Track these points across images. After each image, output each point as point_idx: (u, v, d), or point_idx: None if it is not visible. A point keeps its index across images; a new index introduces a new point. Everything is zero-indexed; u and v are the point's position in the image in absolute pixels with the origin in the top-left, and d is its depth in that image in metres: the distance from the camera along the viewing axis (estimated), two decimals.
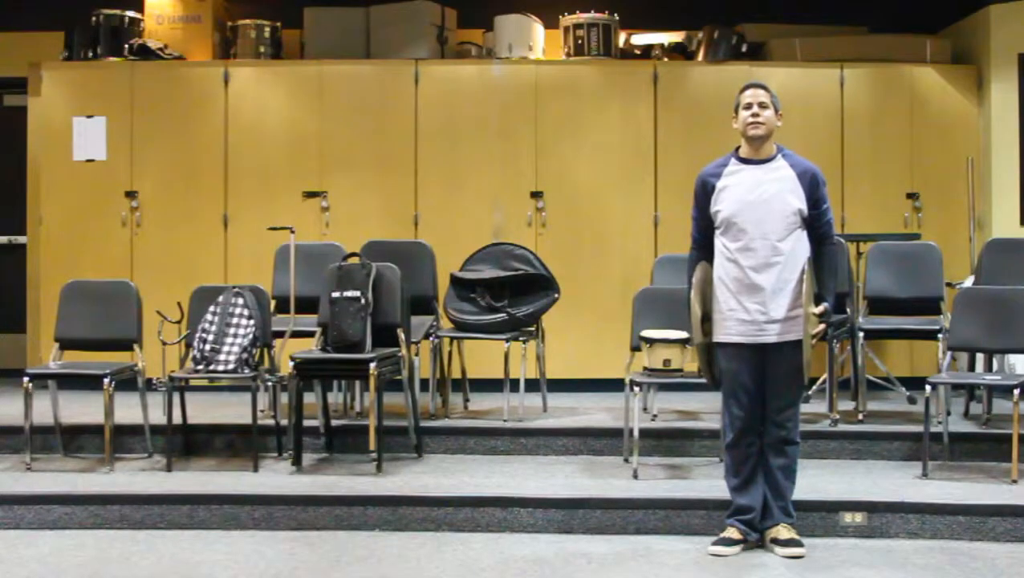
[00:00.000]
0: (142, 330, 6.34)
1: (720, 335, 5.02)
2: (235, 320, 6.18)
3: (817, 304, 4.95)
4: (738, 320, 4.97)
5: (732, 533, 5.08)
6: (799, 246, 4.95)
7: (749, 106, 4.98)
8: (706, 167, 5.13)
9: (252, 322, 6.18)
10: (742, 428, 5.03)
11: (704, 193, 5.06)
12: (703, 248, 5.10)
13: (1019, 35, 7.95)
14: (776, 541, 5.01)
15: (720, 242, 5.02)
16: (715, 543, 5.07)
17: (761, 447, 5.05)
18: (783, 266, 4.91)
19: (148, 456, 6.27)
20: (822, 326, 4.96)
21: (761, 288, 4.91)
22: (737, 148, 5.09)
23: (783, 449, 5.04)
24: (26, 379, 6.05)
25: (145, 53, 8.09)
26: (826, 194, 5.02)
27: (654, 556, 5.04)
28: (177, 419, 6.21)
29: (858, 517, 5.31)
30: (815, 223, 4.99)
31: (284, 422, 6.32)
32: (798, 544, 5.00)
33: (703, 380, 5.82)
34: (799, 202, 4.93)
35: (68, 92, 8.04)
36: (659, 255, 7.53)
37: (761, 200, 4.93)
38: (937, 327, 6.53)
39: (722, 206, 4.99)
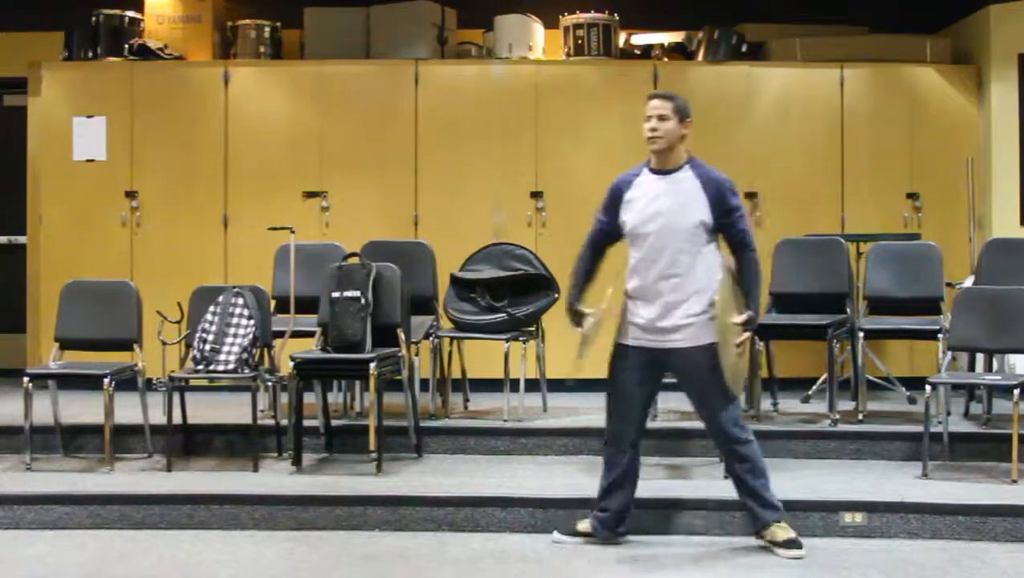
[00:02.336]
0: (142, 330, 6.34)
1: (620, 337, 5.08)
2: (235, 320, 6.18)
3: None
4: (636, 325, 5.01)
5: (584, 526, 5.17)
6: (704, 257, 4.92)
7: (649, 119, 5.00)
8: (622, 174, 5.17)
9: (252, 322, 6.18)
10: (616, 432, 5.09)
11: (612, 200, 5.10)
12: (593, 247, 5.18)
13: (1019, 35, 7.95)
14: (774, 543, 5.01)
15: (631, 250, 5.07)
16: (563, 532, 5.19)
17: (632, 457, 5.08)
18: (684, 277, 4.92)
19: (148, 456, 6.27)
20: (746, 335, 4.93)
21: (660, 297, 4.95)
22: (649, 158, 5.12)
23: (736, 452, 5.03)
24: (26, 379, 6.05)
25: (145, 53, 8.09)
26: (737, 204, 4.95)
27: (654, 556, 5.04)
28: (177, 419, 6.20)
29: (858, 517, 5.31)
30: (727, 233, 4.96)
31: (284, 422, 6.32)
32: (796, 545, 5.00)
33: None
34: (702, 213, 4.91)
35: (68, 92, 8.04)
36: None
37: (662, 211, 4.95)
38: (937, 327, 6.53)
39: (627, 217, 5.03)
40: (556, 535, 5.23)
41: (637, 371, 5.02)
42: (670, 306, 4.93)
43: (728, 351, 4.89)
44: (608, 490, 5.11)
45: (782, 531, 5.02)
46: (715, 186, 4.94)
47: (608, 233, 5.13)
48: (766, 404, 6.84)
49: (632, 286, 5.04)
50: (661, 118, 4.97)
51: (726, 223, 4.94)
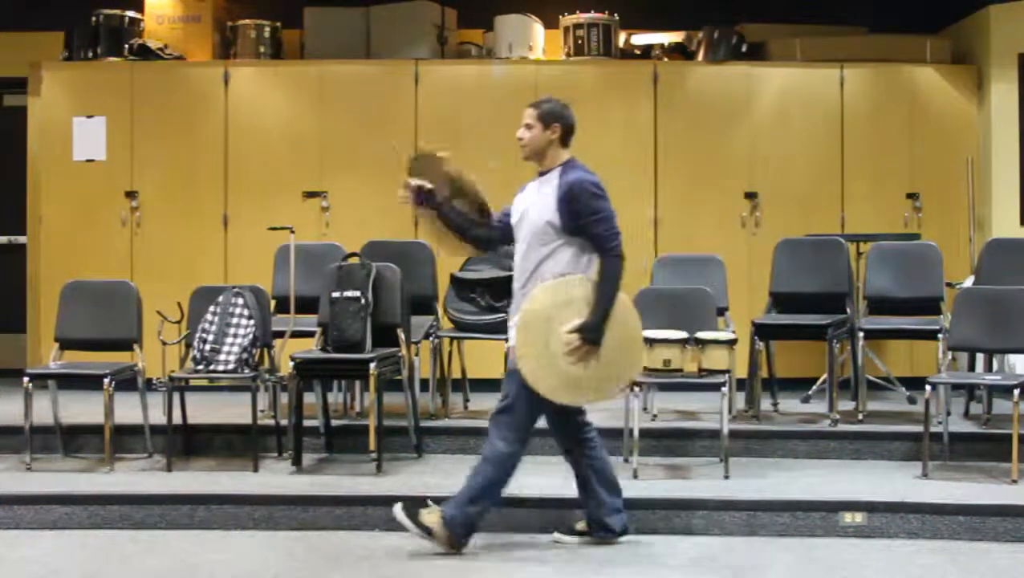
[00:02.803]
0: (142, 330, 6.34)
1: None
2: (235, 320, 6.18)
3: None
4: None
5: (581, 525, 5.21)
6: (556, 260, 4.90)
7: (520, 128, 5.06)
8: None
9: (252, 322, 6.18)
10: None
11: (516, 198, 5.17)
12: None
13: (1019, 35, 7.96)
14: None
15: None
16: (563, 532, 5.21)
17: (578, 456, 5.10)
18: (530, 277, 4.94)
19: (148, 456, 6.27)
20: (575, 343, 4.81)
21: (515, 295, 5.02)
22: None
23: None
24: (26, 379, 6.05)
25: (145, 53, 8.09)
26: (596, 207, 4.86)
27: (654, 556, 5.04)
28: (177, 419, 6.20)
29: (858, 517, 5.31)
30: (584, 236, 4.89)
31: (284, 422, 6.32)
32: (428, 531, 4.98)
33: (703, 380, 5.85)
34: (550, 215, 4.89)
35: (68, 92, 8.04)
36: (659, 255, 7.53)
37: (525, 213, 4.99)
38: (937, 327, 6.53)
39: (514, 210, 5.11)
40: (556, 535, 5.23)
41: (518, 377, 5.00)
42: (517, 304, 5.00)
43: (545, 357, 4.82)
44: (579, 490, 5.14)
45: (430, 517, 5.00)
46: (567, 188, 4.89)
47: (503, 225, 5.17)
48: (766, 404, 6.84)
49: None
50: (527, 127, 5.04)
51: (580, 226, 4.88)
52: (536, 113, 5.02)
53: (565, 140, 5.04)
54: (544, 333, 4.84)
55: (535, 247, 4.93)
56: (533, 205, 4.97)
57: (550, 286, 4.87)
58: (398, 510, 5.00)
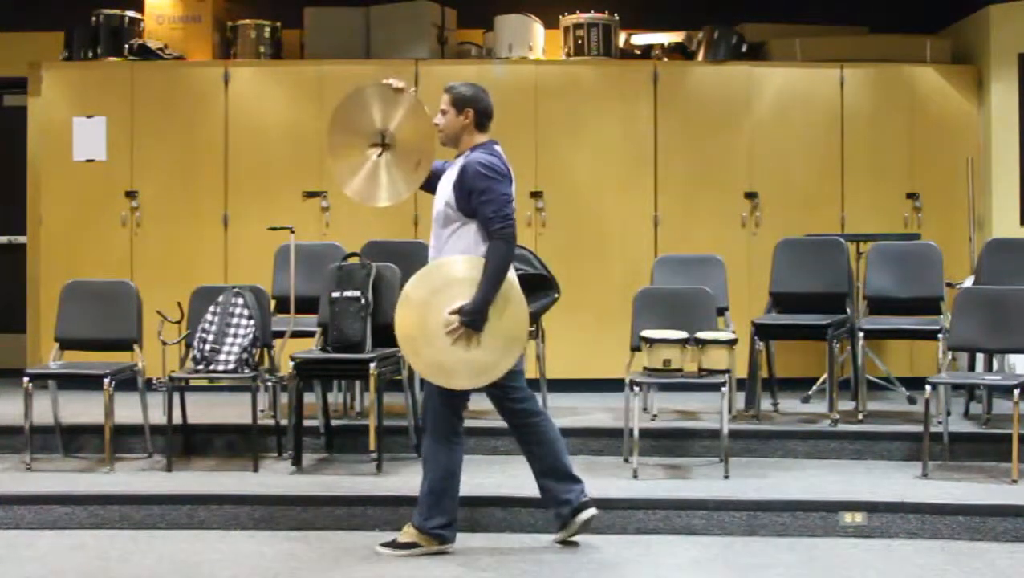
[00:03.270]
0: (142, 330, 6.34)
1: None
2: (235, 320, 6.19)
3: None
4: None
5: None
6: (458, 241, 4.93)
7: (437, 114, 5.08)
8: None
9: (252, 322, 6.18)
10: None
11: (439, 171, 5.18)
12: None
13: (1019, 35, 7.95)
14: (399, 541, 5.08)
15: None
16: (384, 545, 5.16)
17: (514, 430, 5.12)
18: (434, 257, 4.99)
19: (148, 456, 6.27)
20: (454, 325, 4.81)
21: None
22: None
23: (427, 453, 5.07)
24: (26, 379, 6.05)
25: (145, 53, 8.09)
26: (484, 187, 4.85)
27: (654, 556, 5.04)
28: (177, 419, 6.20)
29: (858, 517, 5.31)
30: (476, 216, 4.90)
31: (284, 422, 6.31)
32: (402, 545, 5.03)
33: (703, 380, 5.85)
34: (448, 196, 4.94)
35: (68, 92, 8.04)
36: (659, 255, 7.53)
37: (437, 195, 5.04)
38: (937, 327, 6.53)
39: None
40: (377, 549, 5.16)
41: None
42: None
43: (424, 338, 4.85)
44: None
45: (408, 535, 5.04)
46: (461, 169, 4.93)
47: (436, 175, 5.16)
48: (766, 404, 6.84)
49: None
50: (442, 112, 5.05)
51: (471, 208, 4.90)
52: (449, 98, 5.04)
53: (480, 124, 5.04)
54: (423, 312, 4.86)
55: (438, 229, 4.99)
56: (440, 189, 5.03)
57: (433, 266, 4.93)
58: (379, 549, 5.05)
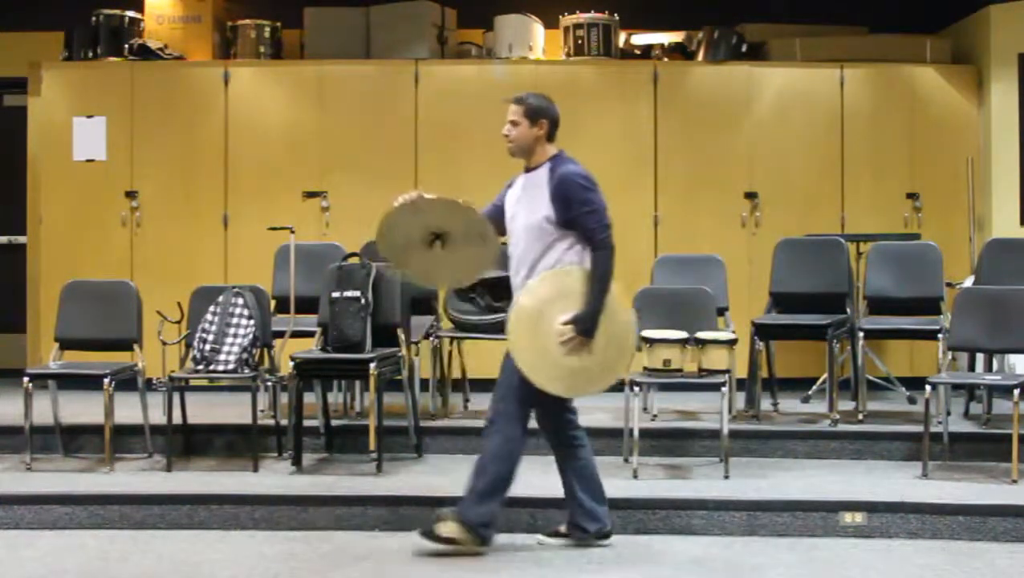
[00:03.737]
0: (142, 330, 6.34)
1: None
2: (235, 320, 6.19)
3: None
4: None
5: (562, 526, 5.18)
6: (553, 254, 4.90)
7: (506, 124, 5.04)
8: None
9: (252, 322, 6.18)
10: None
11: (501, 197, 5.14)
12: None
13: (1019, 35, 7.95)
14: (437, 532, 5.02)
15: None
16: (546, 534, 5.19)
17: (563, 454, 5.09)
18: (529, 273, 4.93)
19: (148, 456, 6.27)
20: (569, 335, 4.83)
21: (514, 289, 5.00)
22: None
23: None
24: (26, 379, 6.05)
25: (145, 53, 8.09)
26: (586, 199, 4.87)
27: (654, 556, 5.04)
28: (177, 419, 6.20)
29: (858, 517, 5.31)
30: (574, 229, 4.90)
31: (284, 422, 6.31)
32: (440, 538, 4.98)
33: (703, 380, 5.84)
34: (545, 210, 4.89)
35: (68, 92, 8.04)
36: (659, 255, 7.53)
37: (518, 209, 4.98)
38: (937, 327, 6.53)
39: (506, 208, 5.08)
40: (539, 537, 5.20)
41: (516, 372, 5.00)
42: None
43: (538, 350, 4.84)
44: (564, 489, 5.13)
45: (448, 528, 4.98)
46: (558, 182, 4.90)
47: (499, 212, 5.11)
48: (766, 404, 6.84)
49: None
50: (512, 123, 5.02)
51: (571, 218, 4.88)
52: (522, 109, 5.00)
53: (551, 135, 5.04)
54: (536, 324, 4.84)
55: (532, 243, 4.92)
56: (525, 202, 4.97)
57: (545, 277, 4.88)
58: (416, 537, 5.00)
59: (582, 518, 5.08)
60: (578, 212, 4.86)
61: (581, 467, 5.07)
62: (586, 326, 4.83)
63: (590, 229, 4.86)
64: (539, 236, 4.90)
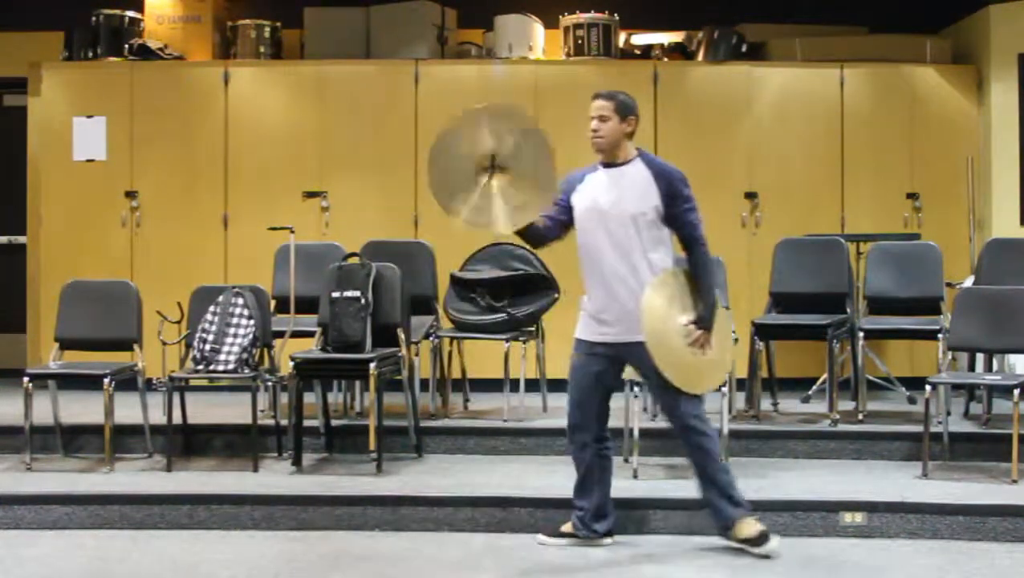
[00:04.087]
0: (142, 330, 6.34)
1: (577, 331, 5.09)
2: (235, 320, 6.19)
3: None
4: (589, 317, 5.02)
5: (566, 526, 5.16)
6: (654, 249, 4.93)
7: (592, 119, 5.02)
8: (575, 170, 5.16)
9: (252, 322, 6.18)
10: (572, 424, 5.11)
11: (568, 189, 5.07)
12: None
13: (1019, 35, 7.95)
14: (746, 541, 4.99)
15: (580, 242, 5.04)
16: (548, 534, 5.17)
17: (596, 453, 5.09)
18: (630, 269, 4.92)
19: (148, 456, 6.27)
20: (697, 334, 4.91)
21: (609, 290, 4.94)
22: None
23: (688, 441, 5.04)
24: (26, 379, 6.05)
25: (145, 53, 8.09)
26: (688, 195, 4.95)
27: (654, 556, 5.04)
28: (177, 419, 6.20)
29: (858, 517, 5.31)
30: (677, 225, 4.96)
31: (284, 422, 6.32)
32: (766, 539, 4.96)
33: None
34: (651, 203, 4.92)
35: (68, 92, 8.04)
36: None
37: (609, 204, 4.95)
38: (937, 327, 6.53)
39: (577, 208, 5.02)
40: (540, 537, 5.21)
41: (590, 364, 5.03)
42: (618, 299, 4.93)
43: (670, 350, 4.88)
44: (580, 488, 5.12)
45: (748, 526, 5.00)
46: (665, 176, 4.95)
47: (563, 212, 5.04)
48: (766, 404, 6.84)
49: (584, 279, 5.05)
50: (602, 119, 5.00)
51: (675, 214, 4.93)
52: (613, 105, 5.00)
53: (633, 133, 5.06)
54: (667, 333, 4.89)
55: (632, 235, 4.91)
56: (617, 194, 4.94)
57: (658, 285, 4.90)
58: (770, 547, 4.96)
59: (591, 517, 5.09)
60: (681, 208, 4.94)
61: (607, 465, 5.15)
62: (709, 323, 4.94)
63: (692, 225, 4.96)
64: (644, 227, 4.91)
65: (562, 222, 5.05)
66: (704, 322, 4.93)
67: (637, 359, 4.97)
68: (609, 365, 5.05)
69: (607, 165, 5.05)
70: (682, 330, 4.91)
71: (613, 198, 4.96)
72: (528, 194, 4.86)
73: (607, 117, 4.99)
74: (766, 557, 4.92)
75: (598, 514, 5.11)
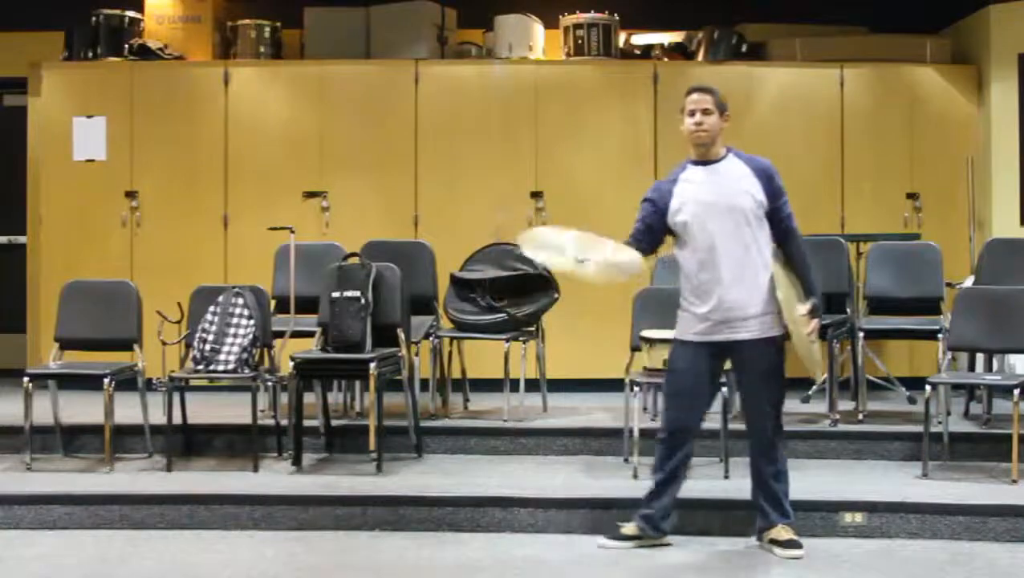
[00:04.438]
0: (142, 330, 6.34)
1: (679, 332, 5.08)
2: (235, 320, 6.19)
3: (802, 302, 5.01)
4: (696, 318, 4.99)
5: (630, 529, 5.10)
6: (760, 245, 4.95)
7: (693, 113, 4.99)
8: (659, 181, 5.19)
9: (252, 322, 6.18)
10: (676, 428, 5.07)
11: (659, 200, 5.03)
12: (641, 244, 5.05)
13: (1019, 35, 7.95)
14: (775, 542, 5.01)
15: (681, 242, 5.02)
16: (609, 537, 5.11)
17: (688, 453, 5.09)
18: (743, 266, 4.91)
19: (148, 456, 6.27)
20: (815, 323, 4.96)
21: (720, 288, 4.92)
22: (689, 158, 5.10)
23: (770, 454, 5.04)
24: (26, 379, 6.05)
25: (145, 53, 8.09)
26: (783, 188, 5.04)
27: (654, 556, 5.04)
28: (177, 419, 6.20)
29: (858, 517, 5.31)
30: (775, 218, 4.99)
31: (284, 422, 6.31)
32: (797, 545, 5.00)
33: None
34: (759, 197, 4.95)
35: (68, 92, 8.04)
36: (659, 255, 7.51)
37: (714, 201, 4.93)
38: (937, 327, 6.53)
39: (680, 212, 4.97)
40: (601, 540, 5.14)
41: (700, 365, 5.00)
42: (732, 297, 4.91)
43: (801, 343, 4.96)
44: (657, 492, 5.06)
45: (784, 531, 5.03)
46: (766, 172, 5.00)
47: (660, 230, 5.03)
48: None
49: (689, 280, 5.00)
50: (705, 112, 4.97)
51: (777, 207, 5.00)
52: (714, 100, 5.00)
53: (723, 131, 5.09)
54: (797, 323, 4.95)
55: (742, 231, 4.92)
56: (724, 191, 4.94)
57: (780, 279, 4.95)
58: (796, 552, 4.99)
59: (661, 517, 5.09)
60: (779, 202, 5.01)
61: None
62: (820, 313, 5.04)
63: (790, 216, 5.05)
64: (753, 223, 4.94)
65: (656, 235, 5.04)
66: (817, 311, 4.99)
67: (748, 355, 4.96)
68: (718, 365, 5.06)
69: (701, 163, 5.02)
70: (802, 320, 4.95)
71: (722, 195, 4.94)
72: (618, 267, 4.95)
73: (711, 111, 4.98)
74: (793, 558, 4.95)
75: (666, 514, 5.09)
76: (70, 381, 6.35)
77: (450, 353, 6.90)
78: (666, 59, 8.31)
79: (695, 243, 4.96)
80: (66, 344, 6.43)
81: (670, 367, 5.13)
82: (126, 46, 8.11)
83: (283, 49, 8.33)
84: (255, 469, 6.00)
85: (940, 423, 6.12)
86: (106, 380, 5.97)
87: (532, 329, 6.81)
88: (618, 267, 4.90)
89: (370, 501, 5.50)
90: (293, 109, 8.04)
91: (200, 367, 6.13)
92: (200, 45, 8.25)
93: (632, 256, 4.93)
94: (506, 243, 7.03)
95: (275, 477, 5.90)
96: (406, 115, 7.98)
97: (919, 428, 5.94)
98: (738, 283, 4.91)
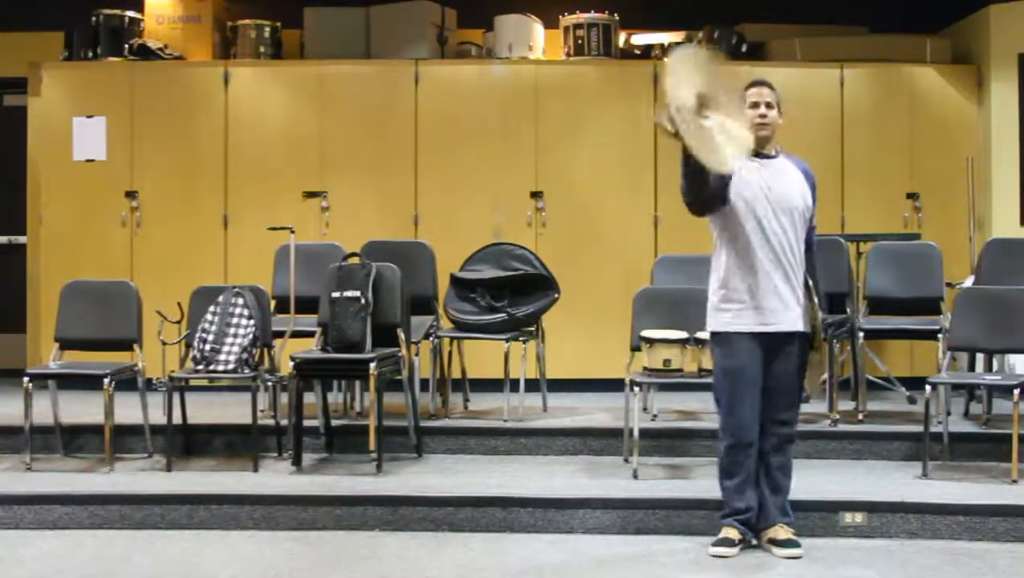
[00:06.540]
0: (142, 330, 6.34)
1: (729, 325, 4.98)
2: (235, 320, 6.19)
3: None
4: (747, 310, 4.94)
5: (731, 533, 5.04)
6: (801, 243, 5.00)
7: (756, 105, 4.97)
8: None
9: (252, 322, 6.18)
10: (742, 426, 4.96)
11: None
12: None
13: (1019, 35, 7.95)
14: (774, 541, 5.01)
15: (733, 230, 4.94)
16: (715, 544, 5.04)
17: (760, 447, 5.03)
18: (793, 261, 4.93)
19: (148, 456, 6.27)
20: (820, 335, 5.08)
21: (771, 281, 4.90)
22: None
23: (785, 448, 5.05)
24: (26, 379, 6.05)
25: (145, 53, 8.10)
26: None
27: (654, 556, 5.04)
28: (177, 419, 6.20)
29: (858, 517, 5.31)
30: (810, 224, 5.04)
31: (284, 422, 6.31)
32: (795, 544, 4.99)
33: (703, 380, 5.81)
34: (808, 198, 4.99)
35: (68, 92, 8.04)
36: (659, 255, 7.53)
37: (772, 195, 4.91)
38: (937, 327, 6.53)
39: (742, 189, 4.90)
40: (712, 549, 5.03)
41: (754, 358, 4.95)
42: (781, 289, 4.91)
43: (818, 346, 5.02)
44: (740, 491, 5.00)
45: (783, 530, 5.02)
46: (811, 177, 5.03)
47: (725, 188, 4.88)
48: None
49: (739, 271, 4.95)
50: (769, 105, 4.98)
51: (813, 214, 5.03)
52: (775, 96, 5.00)
53: None
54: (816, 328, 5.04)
55: (798, 226, 4.94)
56: (785, 189, 4.93)
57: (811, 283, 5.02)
58: (795, 552, 4.98)
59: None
60: (815, 209, 5.03)
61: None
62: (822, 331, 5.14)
63: (814, 227, 5.06)
64: (801, 222, 4.96)
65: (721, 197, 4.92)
66: (821, 331, 5.06)
67: (790, 347, 4.94)
68: (766, 357, 4.97)
69: (757, 156, 4.96)
70: (819, 329, 5.04)
71: (780, 189, 4.93)
72: (740, 128, 4.79)
73: (772, 105, 4.98)
74: (791, 558, 4.94)
75: (761, 514, 5.05)
76: (70, 381, 6.35)
77: (450, 353, 6.90)
78: (666, 59, 8.29)
79: (752, 230, 4.88)
80: (66, 344, 6.43)
81: (730, 364, 4.96)
82: (126, 46, 8.12)
83: (283, 49, 8.33)
84: (255, 469, 6.00)
85: (940, 423, 6.12)
86: (106, 380, 5.97)
87: (532, 329, 6.82)
88: (723, 148, 4.64)
89: (370, 501, 5.50)
90: (293, 109, 8.04)
91: (200, 367, 6.13)
92: (200, 45, 8.25)
93: (739, 154, 4.71)
94: (506, 242, 7.04)
95: (275, 477, 5.90)
96: (406, 115, 7.98)
97: (919, 428, 5.94)
98: (786, 279, 4.93)
